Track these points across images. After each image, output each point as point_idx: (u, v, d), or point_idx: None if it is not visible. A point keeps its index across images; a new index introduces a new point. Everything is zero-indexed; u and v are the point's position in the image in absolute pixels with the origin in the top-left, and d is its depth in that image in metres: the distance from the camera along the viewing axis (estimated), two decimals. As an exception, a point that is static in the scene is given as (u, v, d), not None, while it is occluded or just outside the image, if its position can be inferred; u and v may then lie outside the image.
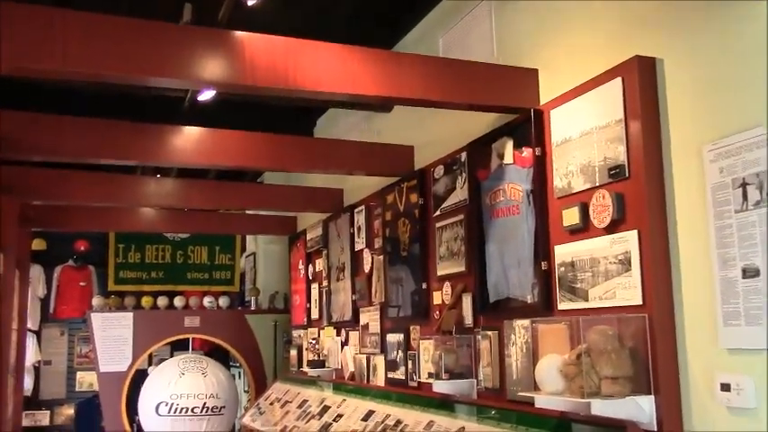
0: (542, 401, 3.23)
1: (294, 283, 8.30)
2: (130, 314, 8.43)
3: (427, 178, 5.07)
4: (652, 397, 2.95)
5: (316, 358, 6.84)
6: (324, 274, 7.13)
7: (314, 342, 7.04)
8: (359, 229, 6.29)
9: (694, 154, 2.91)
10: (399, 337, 5.36)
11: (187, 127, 5.03)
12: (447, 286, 4.71)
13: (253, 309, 9.21)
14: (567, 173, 3.54)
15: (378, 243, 5.87)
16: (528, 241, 3.81)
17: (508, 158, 4.03)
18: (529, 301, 3.80)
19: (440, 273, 4.80)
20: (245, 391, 9.18)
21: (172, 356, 9.09)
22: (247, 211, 8.94)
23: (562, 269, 3.55)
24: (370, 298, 5.97)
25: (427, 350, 4.90)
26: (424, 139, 5.30)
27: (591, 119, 3.39)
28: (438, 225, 4.85)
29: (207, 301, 9.11)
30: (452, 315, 4.51)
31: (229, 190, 6.92)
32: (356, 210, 6.37)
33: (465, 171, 4.53)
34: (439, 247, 4.82)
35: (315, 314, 7.43)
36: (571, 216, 3.46)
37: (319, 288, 7.32)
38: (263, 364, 8.64)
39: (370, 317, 5.95)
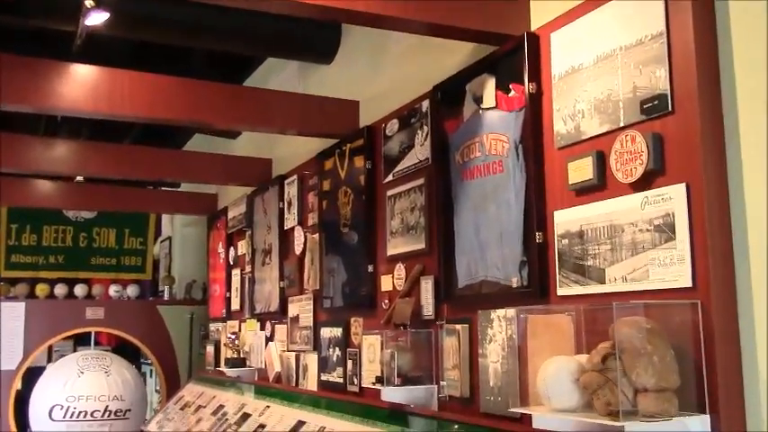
0: (549, 422, 2.32)
1: (213, 270, 7.28)
2: (22, 304, 7.38)
3: (376, 137, 4.13)
4: (707, 417, 2.08)
5: (235, 356, 5.89)
6: (247, 259, 6.14)
7: (233, 337, 6.03)
8: (289, 203, 5.30)
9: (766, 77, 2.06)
10: (337, 331, 4.41)
11: (78, 65, 3.97)
12: (400, 268, 3.78)
13: (166, 299, 8.40)
14: (573, 113, 2.65)
15: (312, 219, 4.90)
16: (515, 207, 2.91)
17: (489, 102, 3.12)
18: (515, 285, 2.90)
19: (390, 252, 3.87)
20: (156, 391, 8.17)
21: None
22: (163, 189, 7.84)
23: (564, 242, 2.66)
24: (302, 285, 5.00)
25: (372, 348, 3.96)
26: (373, 91, 4.35)
27: (613, 37, 2.51)
28: (390, 193, 3.91)
29: (113, 289, 8.22)
30: (407, 304, 3.58)
31: (137, 156, 5.83)
32: (287, 181, 5.38)
33: (427, 124, 3.61)
34: (390, 221, 3.89)
35: (235, 305, 6.42)
36: (581, 170, 2.57)
37: (241, 275, 6.31)
38: (176, 361, 7.77)
39: (300, 307, 4.98)
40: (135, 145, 6.72)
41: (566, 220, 2.66)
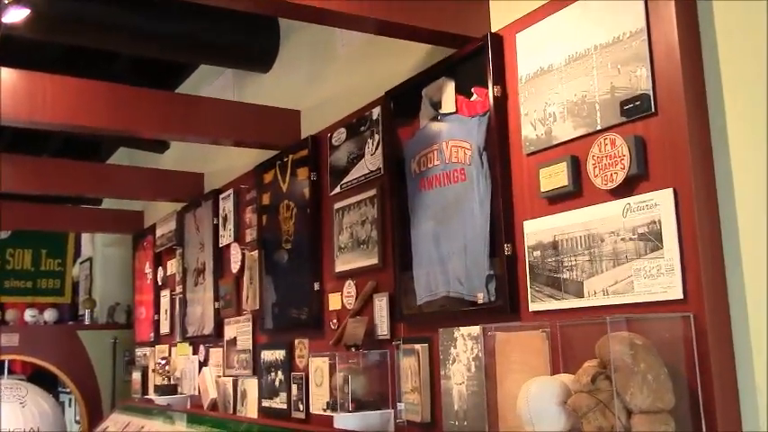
0: (533, 449, 2.13)
1: (139, 292, 6.88)
2: (-75, 330, 6.82)
3: (322, 147, 3.91)
4: (704, 439, 1.93)
5: (165, 382, 5.53)
6: (177, 279, 5.80)
7: (163, 362, 5.65)
8: (225, 219, 5.01)
9: (756, 73, 1.95)
10: (279, 354, 4.14)
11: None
12: (350, 286, 3.56)
13: (87, 323, 7.97)
14: (544, 117, 2.50)
15: (250, 235, 4.63)
16: (480, 217, 2.74)
17: (448, 107, 2.95)
18: (481, 301, 2.72)
19: (339, 268, 3.64)
20: (75, 422, 7.72)
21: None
22: (84, 206, 7.39)
23: (536, 253, 2.49)
24: (240, 305, 4.71)
25: (320, 371, 3.71)
26: (316, 99, 4.13)
27: (586, 36, 2.37)
28: (338, 206, 3.69)
29: (29, 314, 7.80)
30: (359, 324, 3.35)
31: (56, 170, 5.41)
32: (222, 195, 5.09)
33: (378, 132, 3.42)
34: (338, 235, 3.66)
35: (165, 328, 6.05)
36: (554, 176, 2.42)
37: (171, 296, 5.96)
38: (99, 389, 7.37)
39: (238, 329, 4.69)
40: (54, 158, 6.27)
41: (537, 230, 2.50)
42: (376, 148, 3.42)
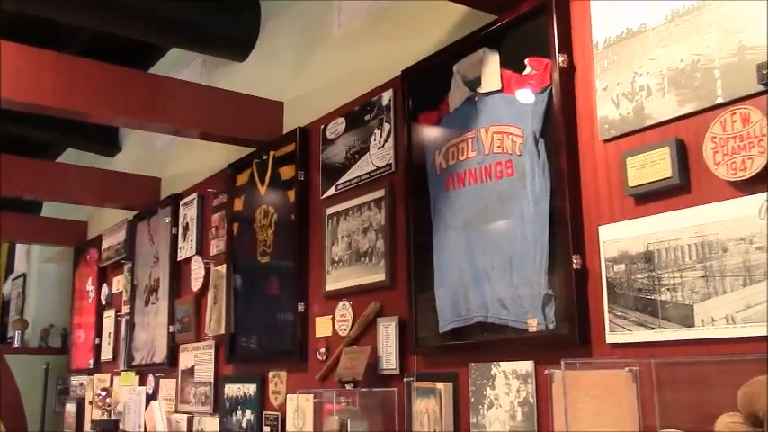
0: None
1: (79, 312, 6.14)
2: None
3: (312, 141, 3.28)
4: None
5: (105, 417, 4.81)
6: (125, 297, 5.09)
7: (104, 394, 4.88)
8: (186, 228, 4.32)
9: None
10: (249, 388, 3.47)
11: None
12: (345, 307, 2.92)
13: (17, 346, 7.24)
14: (631, 91, 1.93)
15: (217, 247, 3.96)
16: (535, 221, 2.14)
17: (490, 84, 2.36)
18: (534, 328, 2.11)
19: (331, 286, 3.01)
20: (-3, 459, 6.78)
21: None
22: (20, 214, 6.57)
23: (618, 267, 1.90)
24: (200, 329, 4.02)
25: (301, 411, 3.04)
26: (305, 87, 3.51)
27: (699, -16, 1.81)
28: (331, 211, 3.06)
29: None
30: (359, 354, 2.71)
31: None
32: (183, 201, 4.41)
33: (389, 120, 2.81)
34: (332, 246, 3.03)
35: (107, 354, 5.32)
36: (649, 167, 1.84)
37: (116, 317, 5.23)
38: (25, 422, 6.60)
39: (197, 357, 3.99)
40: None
41: (620, 237, 1.91)
42: (385, 140, 2.81)
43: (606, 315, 1.92)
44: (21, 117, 5.32)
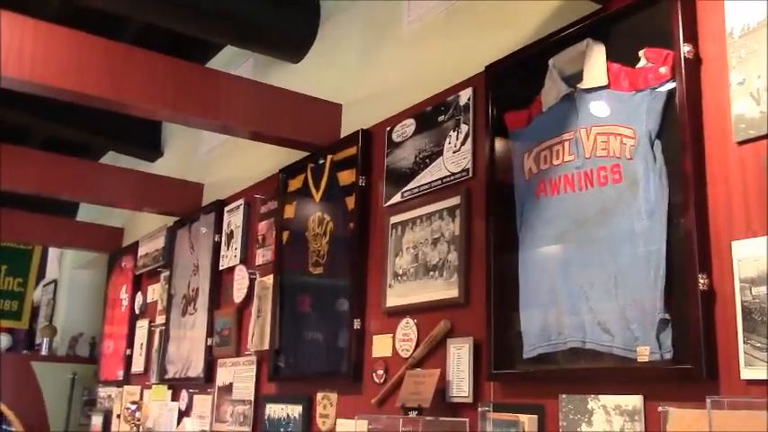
0: None
1: (110, 322, 5.93)
2: None
3: (376, 144, 3.04)
4: None
5: (134, 431, 4.46)
6: (160, 307, 4.87)
7: (133, 408, 4.64)
8: (230, 236, 4.09)
9: None
10: (293, 410, 3.20)
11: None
12: (408, 325, 2.65)
13: (44, 354, 6.99)
14: (778, 85, 1.65)
15: (263, 257, 3.72)
16: (649, 234, 1.87)
17: (594, 79, 2.10)
18: (646, 358, 1.83)
19: (392, 302, 2.74)
20: (19, 470, 6.55)
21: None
22: (56, 217, 6.40)
23: (758, 291, 1.62)
24: (241, 344, 3.77)
25: (354, 438, 2.77)
26: (368, 87, 3.28)
27: None
28: (395, 220, 2.81)
29: None
30: (426, 378, 2.43)
31: (27, 162, 4.43)
32: (228, 208, 4.18)
33: (468, 120, 2.55)
34: (395, 258, 2.77)
35: (138, 366, 5.08)
36: (802, 172, 1.56)
37: (150, 327, 5.00)
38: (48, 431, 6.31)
39: (236, 374, 3.74)
40: (26, 148, 5.28)
41: (760, 255, 1.63)
42: (462, 143, 2.56)
43: (741, 346, 1.64)
44: (63, 116, 5.20)
